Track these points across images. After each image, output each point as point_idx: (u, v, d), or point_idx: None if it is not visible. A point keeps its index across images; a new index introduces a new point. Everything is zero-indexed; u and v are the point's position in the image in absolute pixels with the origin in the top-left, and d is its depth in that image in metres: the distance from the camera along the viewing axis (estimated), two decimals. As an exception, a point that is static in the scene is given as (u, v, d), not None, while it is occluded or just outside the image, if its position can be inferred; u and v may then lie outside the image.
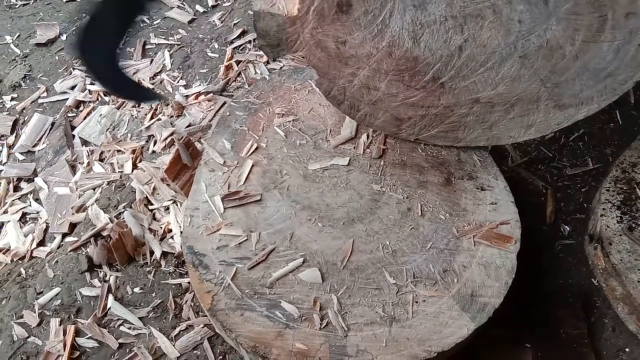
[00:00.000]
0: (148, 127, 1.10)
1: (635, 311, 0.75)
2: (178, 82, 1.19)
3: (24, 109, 1.21)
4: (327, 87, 0.71)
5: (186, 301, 0.85)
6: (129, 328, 0.84)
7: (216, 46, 1.22)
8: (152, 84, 1.20)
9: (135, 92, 0.73)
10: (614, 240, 0.79)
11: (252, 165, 0.81)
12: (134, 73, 1.22)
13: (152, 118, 1.11)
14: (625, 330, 0.78)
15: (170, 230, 0.92)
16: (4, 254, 0.96)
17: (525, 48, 0.61)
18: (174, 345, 0.81)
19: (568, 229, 0.90)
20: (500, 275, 0.73)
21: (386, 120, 0.69)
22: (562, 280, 0.85)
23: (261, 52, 1.21)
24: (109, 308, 0.85)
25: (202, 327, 0.82)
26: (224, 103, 1.07)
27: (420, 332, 0.70)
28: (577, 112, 0.60)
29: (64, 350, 0.81)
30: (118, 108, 1.16)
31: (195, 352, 0.81)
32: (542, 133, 0.63)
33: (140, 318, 0.84)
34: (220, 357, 0.80)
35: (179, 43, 1.27)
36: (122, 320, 0.84)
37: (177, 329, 0.83)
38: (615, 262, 0.77)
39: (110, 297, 0.87)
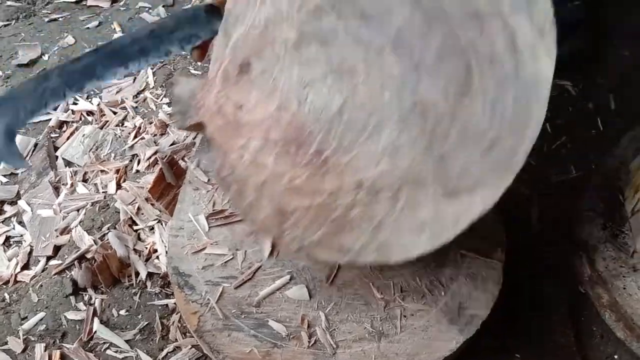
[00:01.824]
0: (132, 146, 1.09)
1: (622, 318, 0.75)
2: (161, 100, 1.18)
3: (6, 130, 1.20)
4: (219, 164, 0.65)
5: (173, 322, 0.84)
6: (116, 351, 0.82)
7: (199, 64, 1.22)
8: (136, 102, 1.19)
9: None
10: (598, 247, 0.80)
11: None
12: (117, 92, 1.22)
13: (135, 137, 1.11)
14: (613, 337, 0.78)
15: (156, 251, 0.91)
16: (-14, 279, 0.94)
17: (401, 108, 0.55)
18: (161, 368, 0.80)
19: (553, 237, 0.91)
20: (487, 286, 0.73)
21: (270, 214, 0.60)
22: (549, 288, 0.85)
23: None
24: (95, 332, 0.84)
25: (190, 348, 0.81)
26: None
27: (409, 347, 0.70)
28: (472, 202, 0.50)
29: (50, 376, 0.80)
30: (101, 127, 1.16)
31: (185, 373, 0.80)
32: (439, 240, 0.52)
33: (126, 341, 0.83)
34: (204, 373, 0.79)
35: (162, 61, 1.26)
36: (108, 344, 0.83)
37: (165, 351, 0.82)
38: (600, 269, 0.78)
39: (96, 320, 0.85)
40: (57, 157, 1.12)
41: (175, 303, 0.85)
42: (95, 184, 1.04)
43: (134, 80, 1.24)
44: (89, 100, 1.21)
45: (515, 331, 0.80)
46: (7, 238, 1.01)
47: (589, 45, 1.13)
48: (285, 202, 0.61)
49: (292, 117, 0.63)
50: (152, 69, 1.24)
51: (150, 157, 1.04)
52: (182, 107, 0.72)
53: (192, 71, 1.22)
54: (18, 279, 0.94)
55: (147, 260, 0.91)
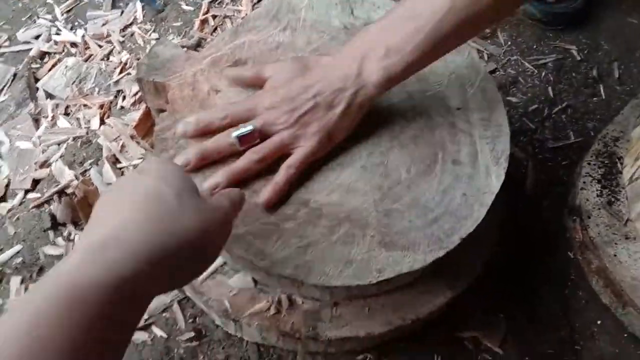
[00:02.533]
0: (117, 82, 1.04)
1: (610, 284, 0.75)
2: (150, 35, 1.12)
3: (-17, 57, 1.13)
4: (165, 125, 0.65)
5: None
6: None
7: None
8: (123, 36, 1.13)
9: None
10: (592, 213, 0.79)
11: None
12: (103, 24, 1.15)
13: (121, 72, 1.05)
14: (598, 303, 0.78)
15: (140, 190, 0.88)
16: (-40, 209, 0.90)
17: (368, 161, 0.63)
18: (141, 308, 0.78)
19: (547, 202, 0.90)
20: (480, 246, 0.72)
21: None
22: (539, 252, 0.85)
23: (239, 7, 1.15)
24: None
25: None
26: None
27: (396, 301, 0.69)
28: (401, 259, 0.56)
29: (24, 310, 0.77)
30: (85, 60, 1.10)
31: (164, 314, 0.78)
32: (360, 280, 0.55)
33: (106, 279, 0.81)
34: (191, 320, 0.77)
35: (154, -6, 1.19)
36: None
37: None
38: (593, 235, 0.77)
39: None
40: (37, 88, 1.06)
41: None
42: (78, 119, 1.00)
43: (122, 13, 1.17)
44: (73, 31, 1.14)
45: (503, 292, 0.80)
46: (-17, 169, 0.96)
47: (587, 5, 1.09)
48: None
49: None
50: (141, 2, 1.17)
51: (136, 94, 0.99)
52: (155, 63, 0.71)
53: (184, 6, 1.15)
54: (-6, 211, 0.90)
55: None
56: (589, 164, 0.83)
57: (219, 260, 0.70)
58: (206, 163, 0.60)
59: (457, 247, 0.59)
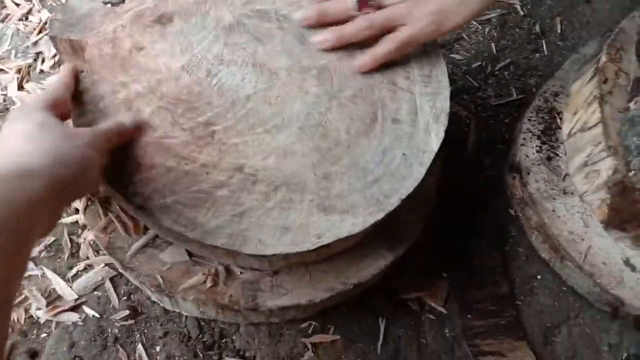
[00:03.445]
0: (35, 43, 0.95)
1: (548, 239, 0.76)
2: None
3: None
4: (86, 86, 0.61)
5: (84, 239, 0.77)
6: (19, 270, 0.75)
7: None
8: (41, -7, 1.03)
9: None
10: (532, 169, 0.79)
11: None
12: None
13: (39, 32, 0.96)
14: (537, 258, 0.79)
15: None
16: None
17: (305, 121, 0.60)
18: (71, 287, 0.73)
19: (489, 160, 0.90)
20: (419, 206, 0.71)
21: (119, 160, 0.56)
22: (480, 210, 0.85)
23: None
24: (-7, 248, 0.76)
25: (103, 267, 0.75)
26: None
27: (340, 264, 0.67)
28: (340, 223, 0.55)
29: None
30: (2, 21, 1.00)
31: (96, 293, 0.74)
32: (298, 247, 0.54)
33: (30, 258, 0.75)
34: (125, 297, 0.74)
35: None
36: (9, 262, 0.75)
37: (75, 269, 0.75)
38: (532, 191, 0.77)
39: (-5, 236, 0.76)
40: (-55, 52, 0.96)
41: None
42: (-7, 85, 0.91)
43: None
44: (-14, -12, 1.04)
45: (444, 252, 0.80)
46: None
47: None
48: (146, 155, 0.57)
49: (194, 82, 0.61)
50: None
51: (54, 56, 0.91)
52: (70, 19, 0.64)
53: None
54: None
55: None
56: (529, 120, 0.83)
57: (149, 234, 0.66)
58: (323, 22, 0.65)
59: (397, 208, 0.57)
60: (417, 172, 0.59)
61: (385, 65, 0.65)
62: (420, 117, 0.62)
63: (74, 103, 0.59)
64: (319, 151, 0.59)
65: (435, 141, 0.61)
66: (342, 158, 0.59)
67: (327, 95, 0.62)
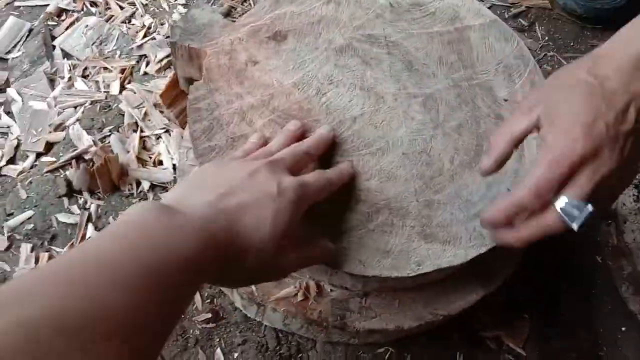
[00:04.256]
0: (140, 46, 0.99)
1: (641, 292, 0.73)
2: (176, 0, 1.07)
3: (-3, 9, 1.08)
4: (200, 95, 0.62)
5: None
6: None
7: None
8: (147, 0, 1.08)
9: None
10: (628, 219, 0.77)
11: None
12: (126, -15, 1.10)
13: (145, 36, 1.01)
14: (625, 310, 0.77)
15: (161, 163, 0.85)
16: (-31, 168, 0.86)
17: (410, 147, 0.60)
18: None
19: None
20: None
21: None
22: (567, 254, 0.83)
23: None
24: (89, 238, 0.78)
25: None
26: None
27: (428, 293, 0.67)
28: (441, 253, 0.54)
29: (36, 278, 0.74)
30: (107, 21, 1.05)
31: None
32: (397, 272, 0.53)
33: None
34: (208, 300, 0.75)
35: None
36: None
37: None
38: (628, 241, 0.75)
39: (90, 226, 0.79)
40: (54, 46, 1.02)
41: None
42: (97, 82, 0.95)
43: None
44: (93, -11, 1.09)
45: (528, 293, 0.78)
46: (-7, 128, 0.92)
47: (630, 3, 1.04)
48: None
49: (304, 99, 0.63)
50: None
51: (161, 61, 0.95)
52: (191, 27, 0.67)
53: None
54: (3, 173, 0.87)
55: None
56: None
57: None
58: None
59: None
60: None
61: (492, 99, 0.65)
62: (526, 154, 0.62)
63: (189, 110, 0.62)
64: (422, 178, 0.59)
65: None
66: (445, 187, 0.59)
67: (432, 124, 0.63)
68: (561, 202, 0.45)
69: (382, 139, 0.61)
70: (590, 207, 0.44)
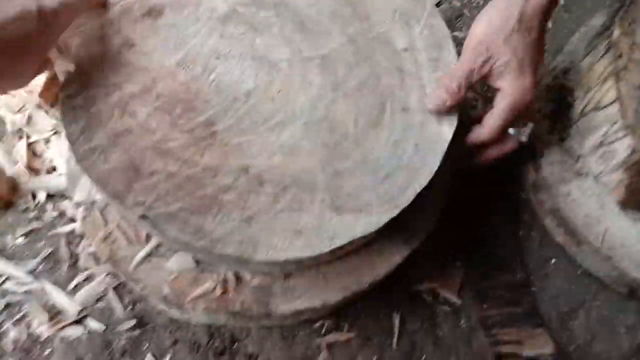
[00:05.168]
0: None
1: (564, 223, 0.74)
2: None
3: None
4: (73, 91, 0.55)
5: (83, 249, 0.73)
6: (16, 284, 0.71)
7: None
8: None
9: None
10: (544, 152, 0.76)
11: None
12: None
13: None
14: (552, 242, 0.77)
15: (55, 169, 0.78)
16: None
17: (311, 115, 0.57)
18: (72, 300, 0.70)
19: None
20: (435, 197, 0.68)
21: (119, 168, 0.51)
22: (490, 195, 0.82)
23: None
24: (-13, 263, 0.72)
25: (105, 276, 0.71)
26: None
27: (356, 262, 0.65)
28: (355, 223, 0.52)
29: None
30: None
31: (99, 304, 0.71)
32: (313, 250, 0.51)
33: (28, 272, 0.72)
34: (130, 307, 0.71)
35: None
36: (4, 277, 0.71)
37: (75, 281, 0.71)
38: (545, 175, 0.75)
39: (-13, 249, 0.73)
40: None
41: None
42: (-29, 88, 0.86)
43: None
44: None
45: (457, 240, 0.78)
46: None
47: None
48: (146, 159, 0.53)
49: (191, 80, 0.57)
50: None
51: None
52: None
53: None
54: None
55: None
56: (538, 100, 0.80)
57: (153, 242, 0.63)
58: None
59: (411, 201, 0.55)
60: (432, 163, 0.56)
61: (391, 51, 0.62)
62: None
63: (62, 108, 0.55)
64: (327, 147, 0.56)
65: (448, 129, 0.59)
66: (351, 153, 0.56)
67: (332, 86, 0.59)
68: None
69: (281, 111, 0.57)
70: (530, 124, 0.64)
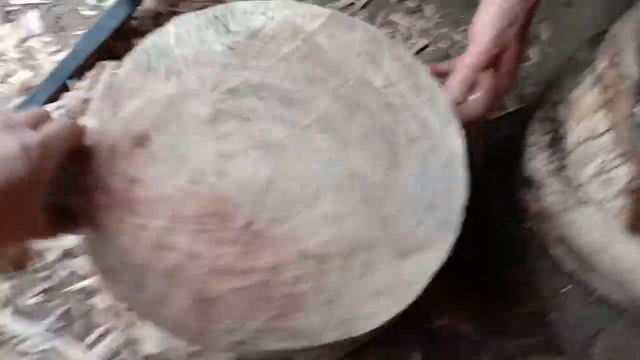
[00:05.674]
0: (20, 106, 0.92)
1: (571, 251, 0.75)
2: (52, 48, 1.00)
3: None
4: (104, 252, 0.51)
5: (98, 303, 0.73)
6: (32, 344, 0.71)
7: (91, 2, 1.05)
8: (20, 52, 1.00)
9: None
10: (544, 183, 0.78)
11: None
12: (-4, 40, 1.01)
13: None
14: (562, 270, 0.78)
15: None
16: None
17: (335, 178, 0.56)
18: (89, 356, 0.69)
19: (494, 175, 0.88)
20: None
21: (186, 307, 0.50)
22: (496, 229, 0.83)
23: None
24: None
25: (124, 329, 0.71)
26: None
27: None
28: (426, 260, 0.53)
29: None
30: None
31: (120, 357, 0.70)
32: (401, 302, 0.51)
33: (44, 331, 0.71)
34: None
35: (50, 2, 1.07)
36: (21, 338, 0.71)
37: (92, 337, 0.71)
38: (547, 205, 0.77)
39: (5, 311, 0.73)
40: None
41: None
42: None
43: (11, 25, 1.03)
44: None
45: (467, 275, 0.78)
46: None
47: None
48: (208, 287, 0.50)
49: (210, 190, 0.55)
50: (37, 10, 1.04)
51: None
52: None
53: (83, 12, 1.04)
54: None
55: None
56: (534, 131, 0.83)
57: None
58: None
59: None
60: (462, 175, 0.58)
61: (373, 92, 0.62)
62: (432, 127, 0.60)
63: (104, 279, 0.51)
64: (364, 202, 0.56)
65: (458, 141, 0.59)
66: (387, 199, 0.56)
67: (340, 144, 0.58)
68: None
69: (306, 186, 0.56)
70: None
